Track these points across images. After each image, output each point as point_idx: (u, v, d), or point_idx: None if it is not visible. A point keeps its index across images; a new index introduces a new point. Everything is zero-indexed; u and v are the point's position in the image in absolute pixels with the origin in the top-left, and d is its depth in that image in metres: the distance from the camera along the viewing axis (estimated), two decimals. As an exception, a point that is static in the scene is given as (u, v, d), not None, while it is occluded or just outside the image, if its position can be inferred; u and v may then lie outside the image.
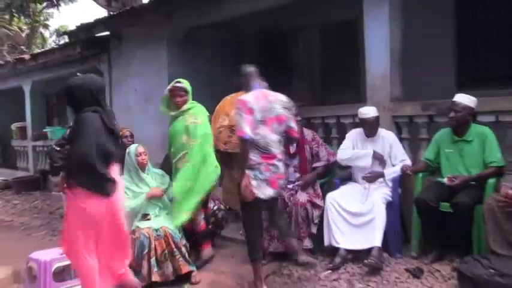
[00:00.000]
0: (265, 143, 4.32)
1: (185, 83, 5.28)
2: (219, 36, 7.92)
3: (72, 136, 3.82)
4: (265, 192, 4.31)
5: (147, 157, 5.04)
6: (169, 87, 5.30)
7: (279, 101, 4.50)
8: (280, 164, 4.44)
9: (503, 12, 6.54)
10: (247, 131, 4.19)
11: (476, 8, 6.71)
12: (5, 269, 5.03)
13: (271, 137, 4.36)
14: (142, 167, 4.97)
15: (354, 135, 5.31)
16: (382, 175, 4.98)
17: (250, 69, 4.60)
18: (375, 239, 4.56)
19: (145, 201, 4.77)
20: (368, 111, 5.08)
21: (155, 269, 4.44)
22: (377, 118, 5.10)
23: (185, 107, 5.23)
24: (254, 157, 4.28)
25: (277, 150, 4.40)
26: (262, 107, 4.34)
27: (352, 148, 5.21)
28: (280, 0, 6.35)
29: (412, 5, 5.76)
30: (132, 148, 5.02)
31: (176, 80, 5.32)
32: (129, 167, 4.97)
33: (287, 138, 4.60)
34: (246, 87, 4.58)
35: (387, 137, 5.14)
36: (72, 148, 3.73)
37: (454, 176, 4.52)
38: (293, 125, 4.56)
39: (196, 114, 5.17)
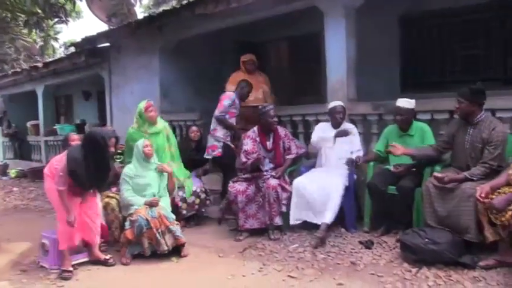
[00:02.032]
0: None
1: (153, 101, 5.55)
2: (203, 47, 7.85)
3: None
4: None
5: (152, 149, 4.96)
6: (144, 105, 5.37)
7: None
8: (211, 139, 5.87)
9: (434, 32, 6.63)
10: None
11: (415, 29, 6.80)
12: (24, 245, 4.98)
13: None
14: (148, 157, 4.89)
15: (322, 126, 5.26)
16: (347, 133, 4.94)
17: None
18: (326, 217, 4.59)
19: (142, 203, 4.64)
20: (336, 103, 5.12)
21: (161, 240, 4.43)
22: (343, 109, 5.10)
23: (162, 123, 5.56)
24: None
25: (214, 126, 5.87)
26: None
27: (317, 139, 5.13)
28: (252, 16, 6.33)
29: (365, 22, 5.78)
30: (140, 141, 4.92)
31: (147, 100, 5.46)
32: (137, 157, 4.87)
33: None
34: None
35: (349, 128, 5.10)
36: None
37: (399, 164, 4.57)
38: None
39: (168, 127, 5.67)
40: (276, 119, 5.23)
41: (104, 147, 4.11)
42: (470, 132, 3.98)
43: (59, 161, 4.26)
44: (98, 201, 4.56)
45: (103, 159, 4.18)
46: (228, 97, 5.93)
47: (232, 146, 5.92)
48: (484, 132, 3.87)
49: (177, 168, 5.45)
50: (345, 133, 4.94)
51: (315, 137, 5.13)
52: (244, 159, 5.17)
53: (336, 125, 5.11)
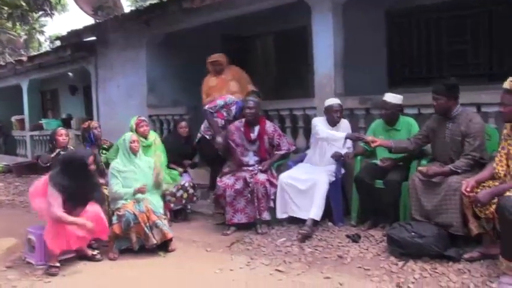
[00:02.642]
0: None
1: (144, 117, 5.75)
2: (189, 41, 7.81)
3: None
4: None
5: (139, 144, 4.94)
6: (135, 121, 5.51)
7: None
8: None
9: (422, 27, 6.67)
10: None
11: (403, 24, 6.83)
12: (9, 240, 4.95)
13: None
14: (134, 152, 4.84)
15: (322, 121, 5.14)
16: (341, 155, 4.89)
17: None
18: (311, 212, 4.62)
19: (131, 193, 4.62)
20: (333, 102, 5.05)
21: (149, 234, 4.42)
22: (341, 107, 5.05)
23: (152, 135, 5.65)
24: None
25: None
26: None
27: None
28: (239, 10, 6.30)
29: (352, 17, 5.78)
30: (127, 136, 4.90)
31: (137, 116, 5.63)
32: (123, 151, 4.83)
33: None
34: None
35: (344, 125, 5.10)
36: None
37: (386, 158, 4.60)
38: None
39: (157, 138, 5.73)
40: (253, 111, 5.15)
41: (85, 169, 4.21)
42: (449, 127, 4.02)
43: (45, 185, 4.24)
44: (96, 208, 4.39)
45: (88, 179, 4.29)
46: (223, 98, 5.85)
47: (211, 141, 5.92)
48: (462, 125, 3.92)
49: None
50: (356, 138, 4.83)
51: (323, 132, 4.97)
52: (219, 139, 5.33)
53: (332, 123, 5.06)
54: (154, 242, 4.40)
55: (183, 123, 6.01)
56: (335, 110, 5.02)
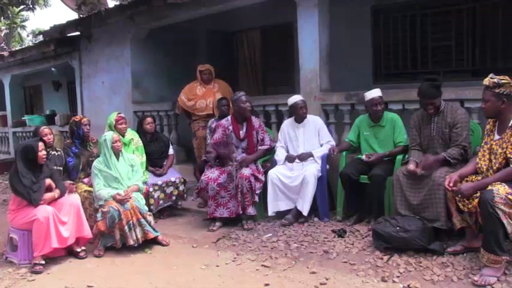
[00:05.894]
0: None
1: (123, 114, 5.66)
2: (175, 36, 7.78)
3: None
4: None
5: (121, 143, 4.90)
6: (115, 117, 5.47)
7: None
8: None
9: (407, 23, 6.72)
10: None
11: (388, 20, 6.87)
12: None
13: None
14: (116, 152, 4.79)
15: (285, 128, 5.32)
16: (310, 155, 5.03)
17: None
18: (298, 204, 4.78)
19: (109, 196, 4.56)
20: (297, 99, 5.14)
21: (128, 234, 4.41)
22: (305, 103, 5.14)
23: (130, 134, 5.58)
24: None
25: None
26: None
27: (284, 141, 5.27)
28: (225, 5, 6.28)
29: (338, 13, 5.81)
30: (109, 136, 4.77)
31: (117, 113, 5.57)
32: (105, 152, 4.73)
33: None
34: None
35: (315, 122, 5.18)
36: None
37: (371, 153, 4.65)
38: None
39: (136, 137, 5.61)
40: (249, 104, 5.20)
41: (35, 152, 4.21)
42: (435, 121, 4.10)
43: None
44: (65, 202, 4.40)
45: (35, 165, 4.27)
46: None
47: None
48: (448, 117, 4.02)
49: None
50: (291, 160, 5.05)
51: (281, 157, 5.17)
52: (209, 149, 5.18)
53: (300, 119, 5.16)
54: (132, 243, 4.39)
55: (149, 119, 5.84)
56: (300, 107, 5.11)
